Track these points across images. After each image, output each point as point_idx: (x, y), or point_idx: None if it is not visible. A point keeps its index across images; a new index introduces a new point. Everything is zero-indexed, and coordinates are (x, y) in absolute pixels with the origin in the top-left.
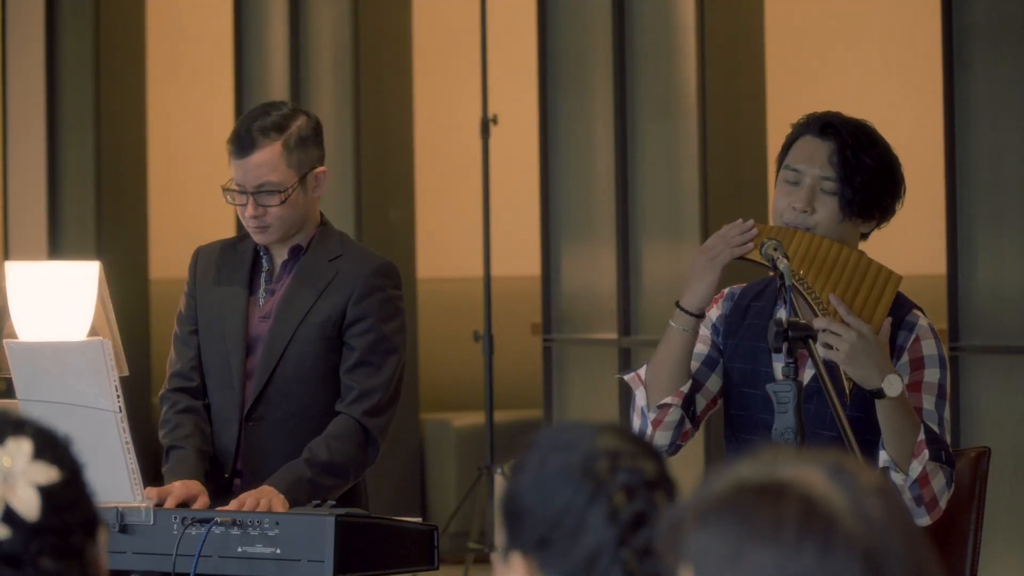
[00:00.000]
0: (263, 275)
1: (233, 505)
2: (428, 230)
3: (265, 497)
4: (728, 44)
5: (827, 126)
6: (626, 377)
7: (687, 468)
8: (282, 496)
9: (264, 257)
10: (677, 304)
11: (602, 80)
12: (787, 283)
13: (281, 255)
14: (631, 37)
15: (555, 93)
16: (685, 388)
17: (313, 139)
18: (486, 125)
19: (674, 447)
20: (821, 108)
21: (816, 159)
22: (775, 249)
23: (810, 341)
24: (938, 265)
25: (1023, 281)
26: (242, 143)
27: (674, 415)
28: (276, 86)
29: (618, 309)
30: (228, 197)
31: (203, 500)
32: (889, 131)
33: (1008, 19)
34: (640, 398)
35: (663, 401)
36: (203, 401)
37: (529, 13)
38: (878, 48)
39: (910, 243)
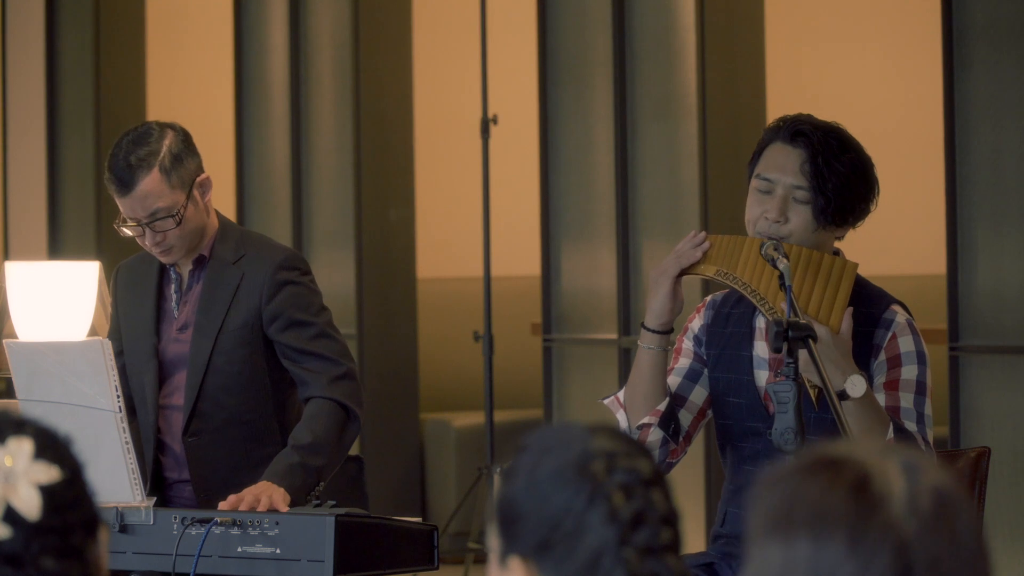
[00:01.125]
0: (173, 285)
1: (232, 501)
2: (428, 230)
3: (265, 493)
4: (728, 44)
5: (797, 134)
6: (605, 401)
7: (688, 473)
8: (282, 489)
9: (171, 268)
10: (642, 324)
11: (602, 80)
12: (787, 283)
13: (187, 265)
14: (631, 37)
15: (555, 93)
16: (662, 406)
17: (186, 151)
18: (486, 125)
19: (665, 466)
20: (821, 108)
21: (787, 168)
22: (775, 249)
23: (810, 341)
24: (938, 265)
25: (1023, 281)
26: (121, 181)
27: (655, 435)
28: (276, 86)
29: (618, 309)
30: (123, 232)
31: None
32: (889, 131)
33: (1008, 19)
34: (622, 420)
35: (642, 421)
36: None
37: (529, 13)
38: (878, 48)
39: (910, 243)
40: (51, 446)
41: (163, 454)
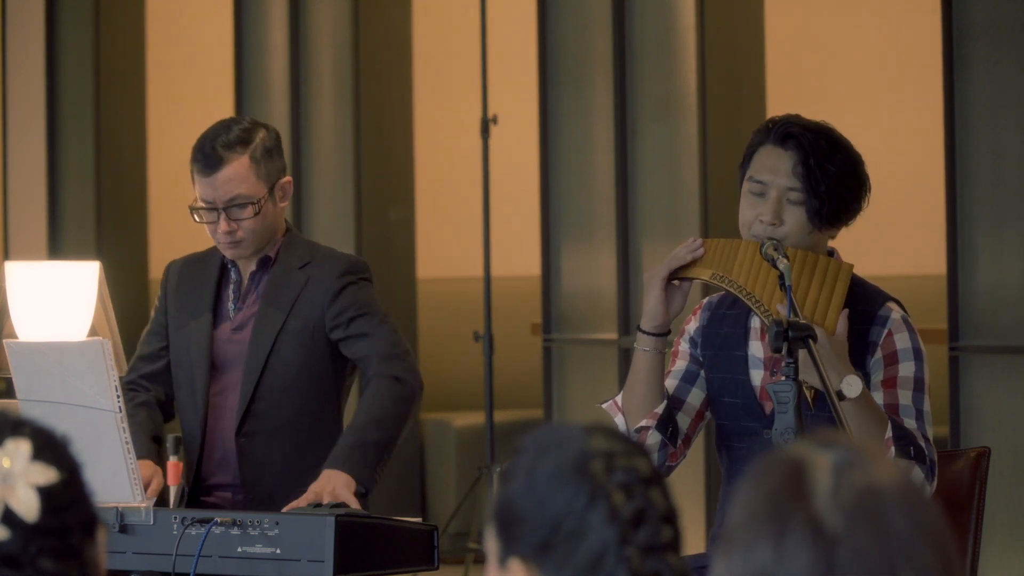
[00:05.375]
0: (231, 287)
1: (294, 504)
2: (428, 230)
3: (327, 487)
4: (728, 44)
5: (787, 136)
6: (604, 406)
7: (688, 474)
8: (343, 474)
9: (232, 269)
10: (638, 327)
11: (602, 80)
12: (787, 283)
13: (249, 267)
14: (631, 37)
15: (555, 93)
16: (659, 409)
17: (276, 150)
18: (486, 125)
19: (665, 469)
20: (821, 108)
21: (780, 170)
22: (775, 249)
23: (810, 342)
24: (938, 265)
25: (1023, 281)
26: (208, 160)
27: (653, 438)
28: (276, 86)
29: (618, 309)
30: (196, 216)
31: (157, 481)
32: (889, 132)
33: (1008, 19)
34: (620, 425)
35: (639, 424)
36: (156, 397)
37: (529, 13)
38: (878, 48)
39: (910, 243)
40: (49, 447)
41: (206, 455)
